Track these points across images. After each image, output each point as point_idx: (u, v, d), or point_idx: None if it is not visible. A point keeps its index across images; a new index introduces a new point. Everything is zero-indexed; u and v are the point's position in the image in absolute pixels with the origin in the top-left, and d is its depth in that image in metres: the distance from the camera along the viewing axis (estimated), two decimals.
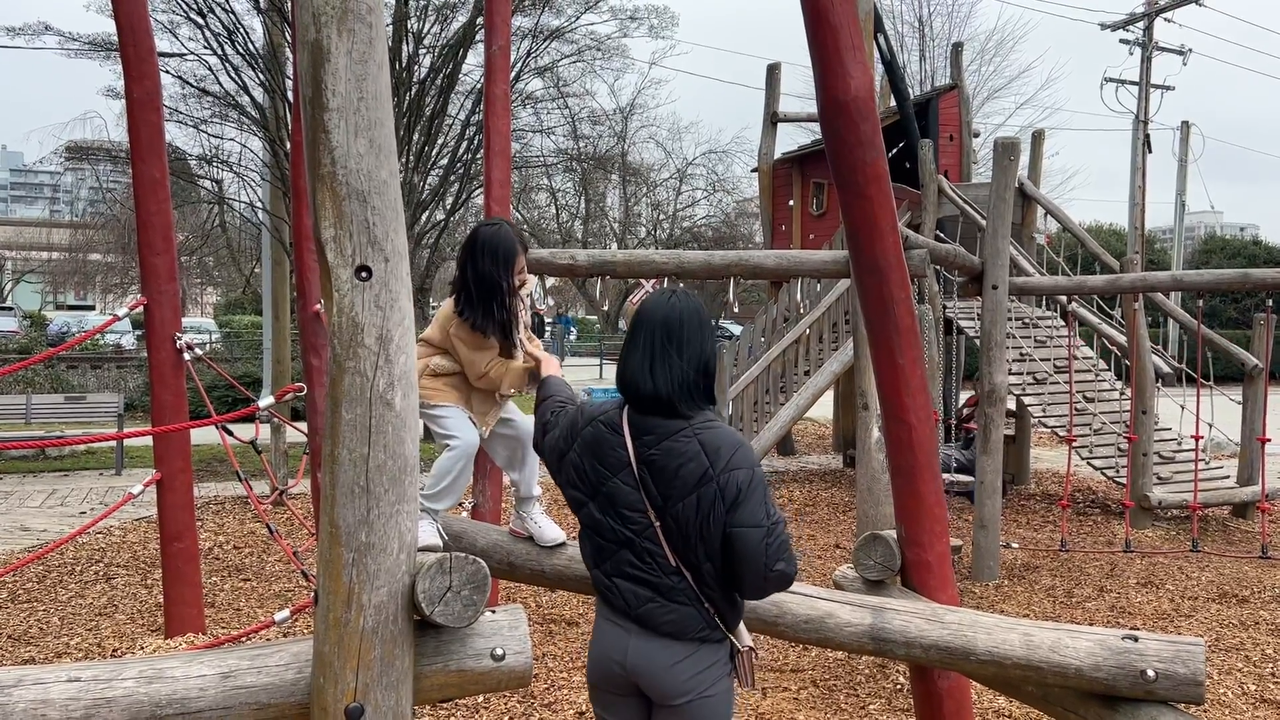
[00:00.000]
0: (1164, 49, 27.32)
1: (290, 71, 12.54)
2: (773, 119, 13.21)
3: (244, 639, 4.98)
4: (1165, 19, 27.16)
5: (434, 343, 3.20)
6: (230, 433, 5.54)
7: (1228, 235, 45.78)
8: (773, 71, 13.31)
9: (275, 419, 8.90)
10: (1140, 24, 27.20)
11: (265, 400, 5.27)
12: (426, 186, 14.51)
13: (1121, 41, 27.30)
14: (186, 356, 5.47)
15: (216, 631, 5.60)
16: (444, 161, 14.81)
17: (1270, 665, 5.22)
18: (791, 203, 12.97)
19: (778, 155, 13.46)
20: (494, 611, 2.40)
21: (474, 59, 14.61)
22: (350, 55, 2.13)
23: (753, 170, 14.44)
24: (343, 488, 2.15)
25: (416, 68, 13.81)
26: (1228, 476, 9.44)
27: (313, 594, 4.76)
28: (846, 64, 3.17)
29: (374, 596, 2.15)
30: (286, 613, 4.36)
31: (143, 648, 5.26)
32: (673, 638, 2.37)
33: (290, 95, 12.47)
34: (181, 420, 5.50)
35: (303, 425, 6.45)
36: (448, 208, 16.14)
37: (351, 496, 2.14)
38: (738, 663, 2.44)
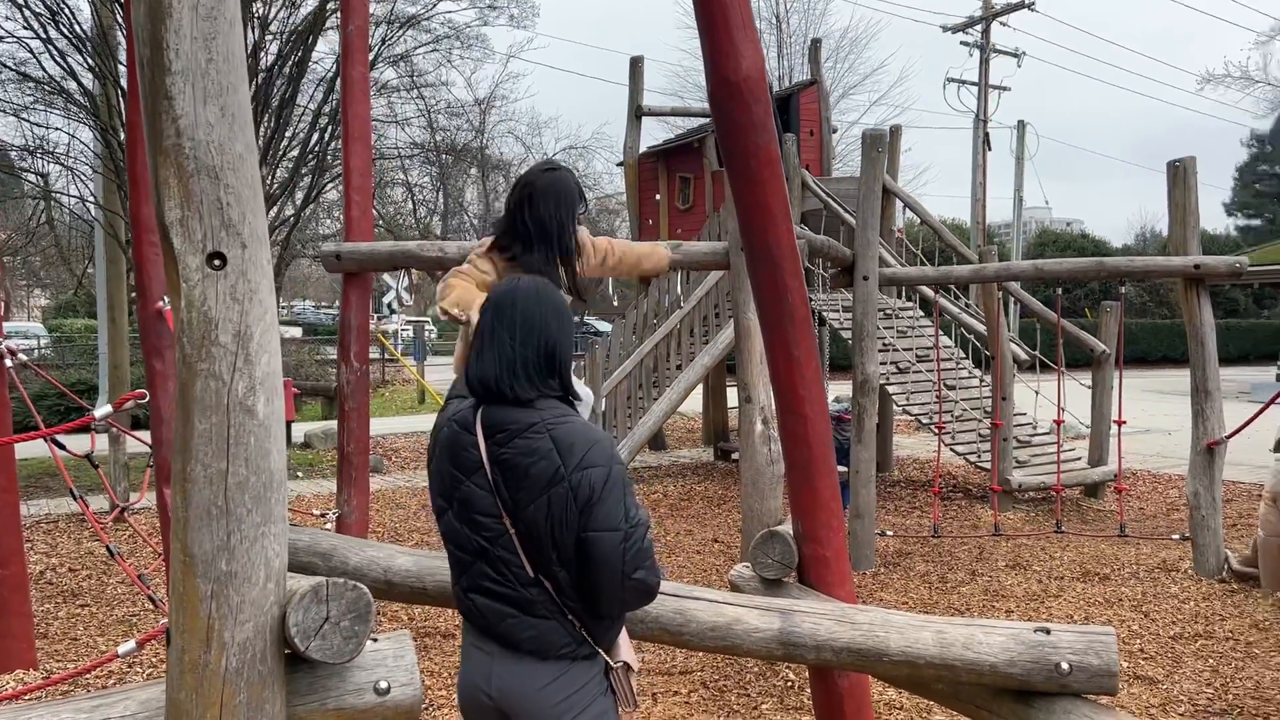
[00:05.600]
0: (1000, 51, 28.63)
1: (123, 57, 11.67)
2: (637, 113, 13.10)
3: (83, 675, 4.50)
4: (1001, 23, 28.46)
5: (480, 272, 2.86)
6: (62, 446, 5.02)
7: (1057, 229, 48.46)
8: (636, 65, 13.20)
9: (114, 429, 8.23)
10: (978, 27, 28.41)
11: (101, 410, 4.79)
12: (276, 180, 13.81)
13: (962, 44, 28.50)
14: (9, 364, 4.93)
15: (50, 666, 5.08)
16: (294, 153, 14.14)
17: (1137, 641, 5.40)
18: (658, 197, 12.90)
19: (643, 149, 13.36)
20: (375, 640, 2.15)
21: (324, 46, 13.99)
22: (196, 10, 1.84)
23: (618, 165, 14.33)
24: (197, 509, 1.86)
25: (263, 54, 13.10)
26: (1080, 458, 9.87)
27: (164, 624, 4.33)
28: (737, 43, 3.03)
29: (238, 633, 1.87)
30: (132, 644, 3.93)
31: None
32: (537, 657, 2.14)
33: (124, 82, 11.62)
34: (5, 434, 4.95)
35: (144, 435, 5.93)
36: (298, 202, 15.45)
37: (208, 519, 1.85)
38: (612, 681, 2.22)
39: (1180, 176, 6.76)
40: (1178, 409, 16.17)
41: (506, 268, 2.87)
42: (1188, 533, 6.96)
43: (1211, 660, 5.11)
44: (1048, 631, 2.51)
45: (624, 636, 2.30)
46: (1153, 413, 17.19)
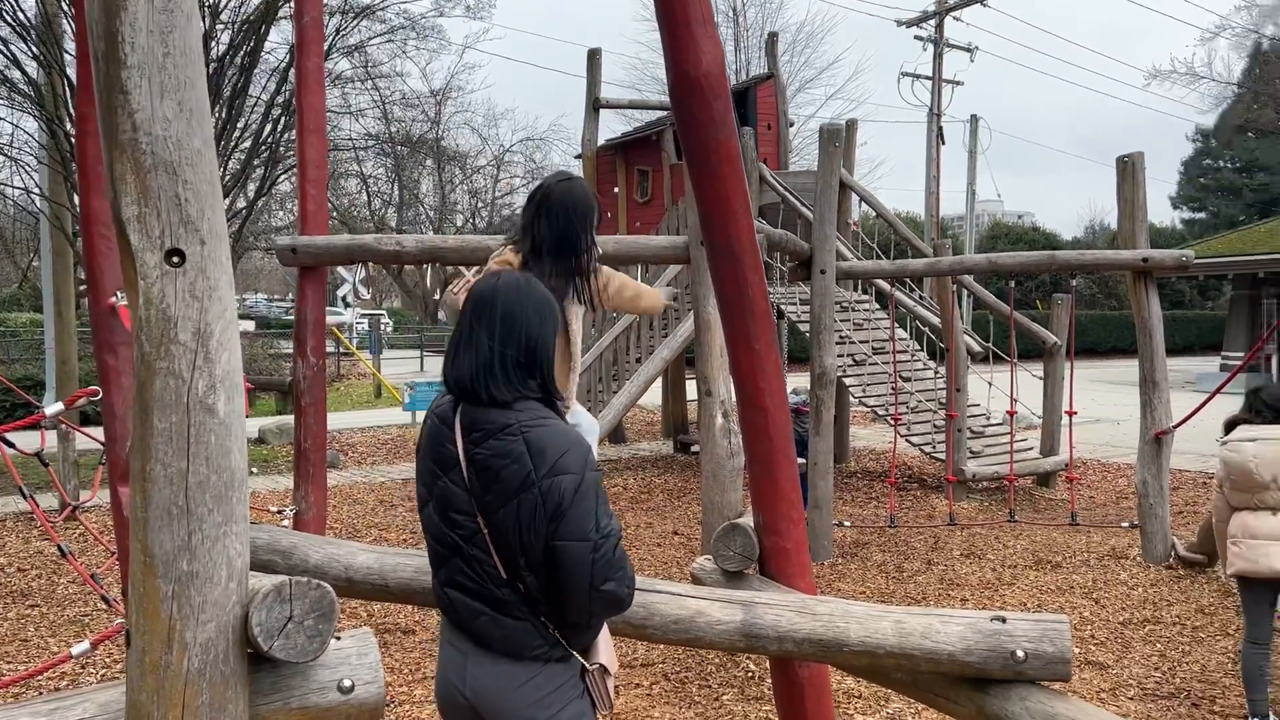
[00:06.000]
0: (953, 46, 28.94)
1: (70, 46, 11.41)
2: (595, 105, 13.07)
3: (35, 677, 4.42)
4: (954, 18, 28.76)
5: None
6: (10, 444, 4.92)
7: (1009, 222, 49.13)
8: (593, 57, 13.16)
9: (64, 426, 8.07)
10: (932, 22, 28.69)
11: (53, 407, 4.69)
12: (228, 171, 13.60)
13: (916, 38, 28.76)
14: None
15: (0, 669, 4.98)
16: (246, 144, 13.93)
17: (1089, 628, 5.52)
18: (616, 189, 12.89)
19: (601, 142, 13.34)
20: (339, 638, 2.14)
21: (277, 35, 13.85)
22: (152, 3, 1.81)
23: (576, 157, 14.29)
24: (157, 509, 1.84)
25: (214, 44, 12.89)
26: (1032, 448, 10.03)
27: (118, 624, 4.27)
28: (697, 38, 3.03)
29: (200, 633, 1.85)
30: (86, 644, 3.87)
31: None
32: (511, 657, 2.11)
33: (71, 71, 11.35)
34: None
35: (94, 431, 5.83)
36: (251, 194, 15.24)
37: (169, 519, 1.83)
38: (588, 683, 2.18)
39: (1129, 172, 6.90)
40: (1126, 399, 16.51)
41: None
42: (1137, 520, 7.12)
43: (1159, 645, 5.24)
44: (1004, 620, 2.55)
45: (604, 638, 2.26)
46: (1102, 403, 17.52)
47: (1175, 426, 6.75)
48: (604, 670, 2.20)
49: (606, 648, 2.25)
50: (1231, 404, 4.65)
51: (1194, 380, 21.07)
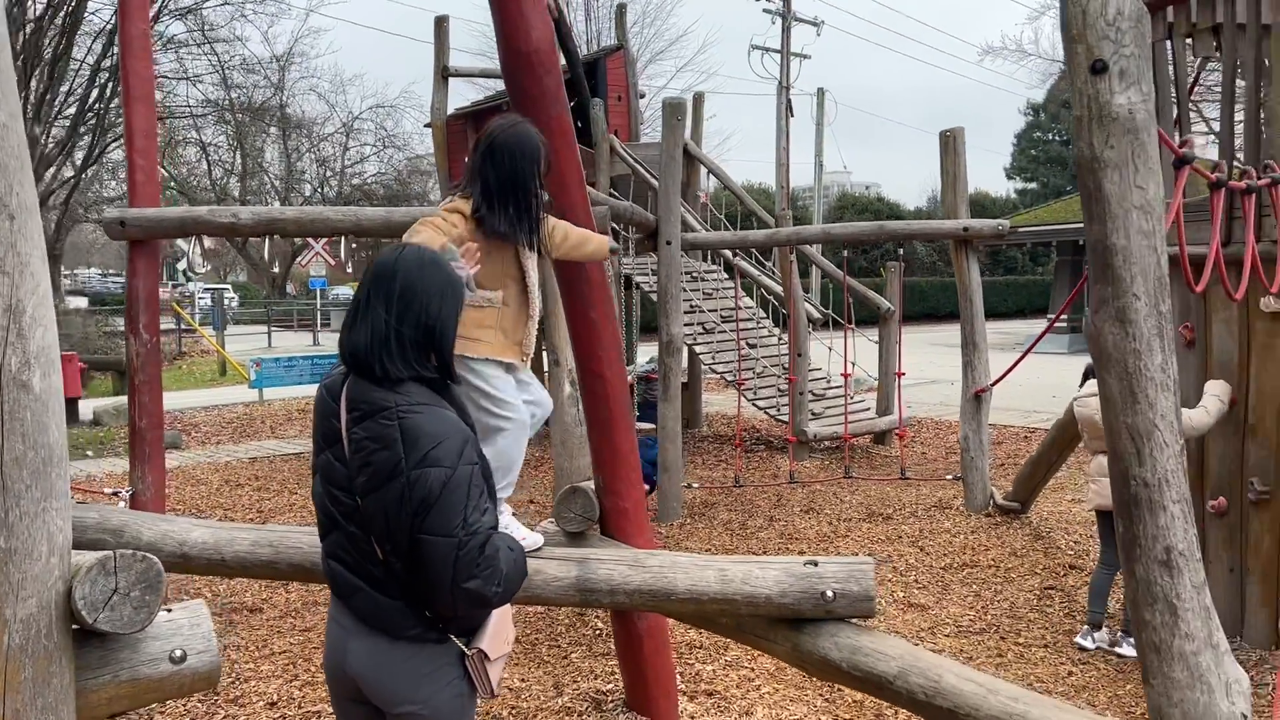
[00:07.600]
0: (801, 20, 29.64)
1: None
2: (444, 73, 12.88)
3: None
4: None
5: (449, 225, 2.74)
6: None
7: (856, 193, 50.76)
8: (441, 24, 12.94)
9: None
10: None
11: None
12: (51, 139, 12.84)
13: (765, 11, 29.30)
14: None
15: None
16: (71, 111, 13.18)
17: (914, 574, 5.92)
18: (468, 159, 12.78)
19: (451, 110, 13.17)
20: (170, 610, 2.16)
21: None
22: None
23: (426, 126, 14.07)
24: None
25: (31, 4, 12.11)
26: (868, 409, 10.56)
27: None
28: (527, 14, 3.11)
29: (20, 609, 1.85)
30: None
31: None
32: (388, 636, 2.10)
33: None
34: None
35: None
36: (78, 163, 14.44)
37: None
38: (468, 667, 2.14)
39: (950, 145, 7.32)
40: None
41: (474, 225, 2.84)
42: (960, 473, 7.62)
43: (975, 586, 5.68)
44: (815, 564, 2.76)
45: (495, 621, 2.21)
46: (940, 364, 18.45)
47: (992, 385, 7.25)
48: (483, 655, 2.16)
49: (495, 631, 2.21)
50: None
51: (1023, 342, 22.45)
